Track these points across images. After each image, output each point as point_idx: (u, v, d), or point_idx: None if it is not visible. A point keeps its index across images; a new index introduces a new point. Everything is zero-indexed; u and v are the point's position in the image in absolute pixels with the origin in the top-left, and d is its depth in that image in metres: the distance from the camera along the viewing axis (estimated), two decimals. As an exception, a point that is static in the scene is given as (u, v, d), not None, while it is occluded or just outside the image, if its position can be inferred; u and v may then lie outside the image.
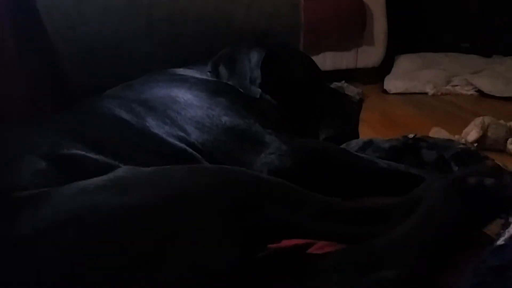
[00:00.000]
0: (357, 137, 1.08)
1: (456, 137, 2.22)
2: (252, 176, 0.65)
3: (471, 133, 2.22)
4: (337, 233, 0.63)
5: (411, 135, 0.92)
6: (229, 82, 1.05)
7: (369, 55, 3.53)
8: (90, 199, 0.55)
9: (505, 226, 0.54)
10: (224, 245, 0.55)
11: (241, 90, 1.02)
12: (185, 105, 0.92)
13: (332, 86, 1.21)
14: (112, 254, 0.50)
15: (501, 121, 2.28)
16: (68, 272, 0.48)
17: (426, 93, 3.29)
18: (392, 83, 3.42)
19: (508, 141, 2.21)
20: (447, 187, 0.63)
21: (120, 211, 0.53)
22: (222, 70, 1.08)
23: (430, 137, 0.92)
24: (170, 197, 0.56)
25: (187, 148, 0.85)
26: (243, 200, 0.59)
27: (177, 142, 0.86)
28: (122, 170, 0.63)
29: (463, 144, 0.88)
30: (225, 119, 0.89)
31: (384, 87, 3.43)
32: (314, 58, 1.19)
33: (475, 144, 2.16)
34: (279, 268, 0.62)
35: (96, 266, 0.48)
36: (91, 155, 0.73)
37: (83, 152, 0.73)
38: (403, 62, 3.71)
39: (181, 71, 1.09)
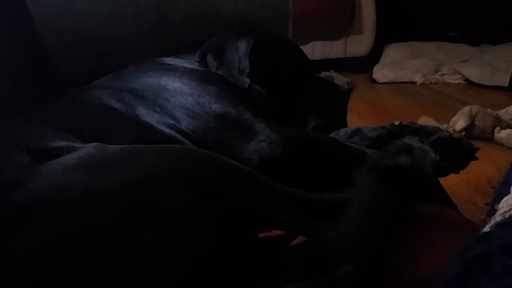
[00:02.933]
0: (346, 126, 1.08)
1: (444, 125, 2.24)
2: (224, 163, 0.65)
3: (459, 122, 2.24)
4: (308, 226, 0.63)
5: (396, 123, 0.93)
6: (218, 72, 1.04)
7: (358, 45, 3.53)
8: (60, 180, 0.55)
9: (490, 213, 0.55)
10: (194, 230, 0.55)
11: (230, 80, 1.01)
12: (175, 92, 0.91)
13: (321, 75, 1.20)
14: (81, 237, 0.50)
15: (489, 110, 2.30)
16: (40, 256, 0.49)
17: (414, 82, 3.31)
18: (381, 73, 3.43)
19: (496, 130, 2.23)
20: (369, 173, 0.64)
21: (89, 194, 0.53)
22: (210, 59, 1.07)
23: (415, 123, 0.93)
24: (140, 180, 0.56)
25: (177, 135, 0.85)
26: (214, 185, 0.59)
27: (167, 130, 0.85)
28: (92, 146, 0.63)
29: (448, 132, 0.89)
30: (215, 106, 0.88)
31: (373, 77, 3.44)
32: (303, 47, 1.18)
33: (463, 133, 2.18)
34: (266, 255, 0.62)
35: (65, 251, 0.49)
36: (76, 145, 0.72)
37: (67, 143, 0.72)
38: (392, 52, 3.73)
39: (170, 60, 1.08)
